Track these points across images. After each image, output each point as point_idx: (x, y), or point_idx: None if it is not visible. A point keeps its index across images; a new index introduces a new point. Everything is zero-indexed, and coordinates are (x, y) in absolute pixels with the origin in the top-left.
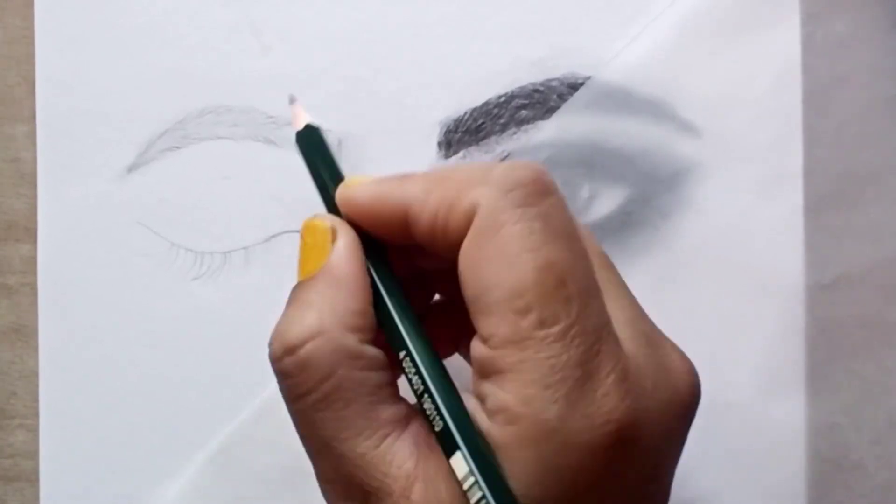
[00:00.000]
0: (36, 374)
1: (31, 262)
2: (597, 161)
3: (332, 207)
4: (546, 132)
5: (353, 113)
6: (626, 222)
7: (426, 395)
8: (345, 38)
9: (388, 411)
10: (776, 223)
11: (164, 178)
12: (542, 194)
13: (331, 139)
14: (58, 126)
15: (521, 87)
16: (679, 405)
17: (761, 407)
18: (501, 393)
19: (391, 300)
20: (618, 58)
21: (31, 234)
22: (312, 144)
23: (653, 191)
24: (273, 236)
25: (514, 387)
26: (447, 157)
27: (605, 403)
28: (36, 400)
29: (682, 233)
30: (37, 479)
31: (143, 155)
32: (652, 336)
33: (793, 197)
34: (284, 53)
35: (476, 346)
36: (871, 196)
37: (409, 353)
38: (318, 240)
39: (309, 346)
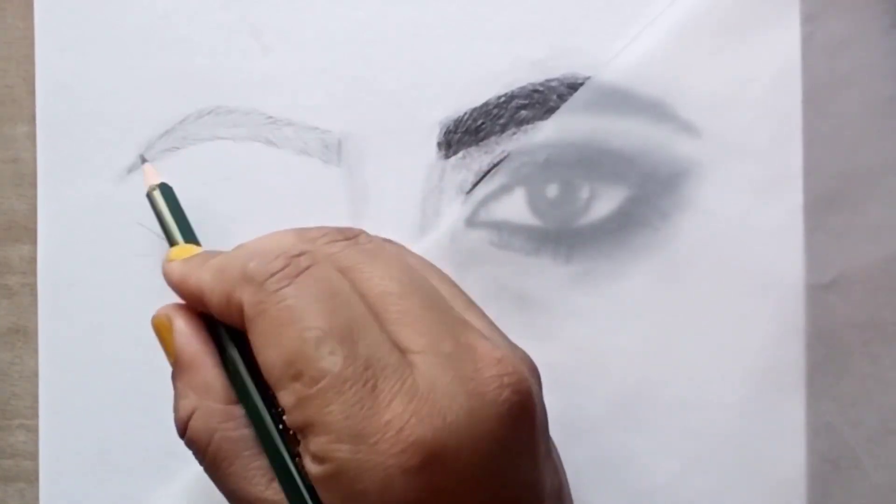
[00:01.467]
0: (36, 375)
1: (31, 262)
2: (597, 161)
3: None
4: (546, 132)
5: (353, 113)
6: (625, 222)
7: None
8: (345, 38)
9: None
10: (776, 223)
11: (165, 179)
12: (292, 275)
13: (331, 139)
14: (58, 126)
15: (521, 88)
16: (489, 411)
17: (761, 407)
18: (309, 445)
19: (227, 368)
20: (618, 58)
21: (31, 234)
22: (157, 206)
23: (652, 191)
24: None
25: (313, 438)
26: (447, 157)
27: (393, 430)
28: (36, 400)
29: (681, 233)
30: (37, 480)
31: (143, 155)
32: (453, 352)
33: (792, 197)
34: (284, 54)
35: (287, 418)
36: (871, 196)
37: (247, 411)
38: (163, 334)
39: (190, 425)
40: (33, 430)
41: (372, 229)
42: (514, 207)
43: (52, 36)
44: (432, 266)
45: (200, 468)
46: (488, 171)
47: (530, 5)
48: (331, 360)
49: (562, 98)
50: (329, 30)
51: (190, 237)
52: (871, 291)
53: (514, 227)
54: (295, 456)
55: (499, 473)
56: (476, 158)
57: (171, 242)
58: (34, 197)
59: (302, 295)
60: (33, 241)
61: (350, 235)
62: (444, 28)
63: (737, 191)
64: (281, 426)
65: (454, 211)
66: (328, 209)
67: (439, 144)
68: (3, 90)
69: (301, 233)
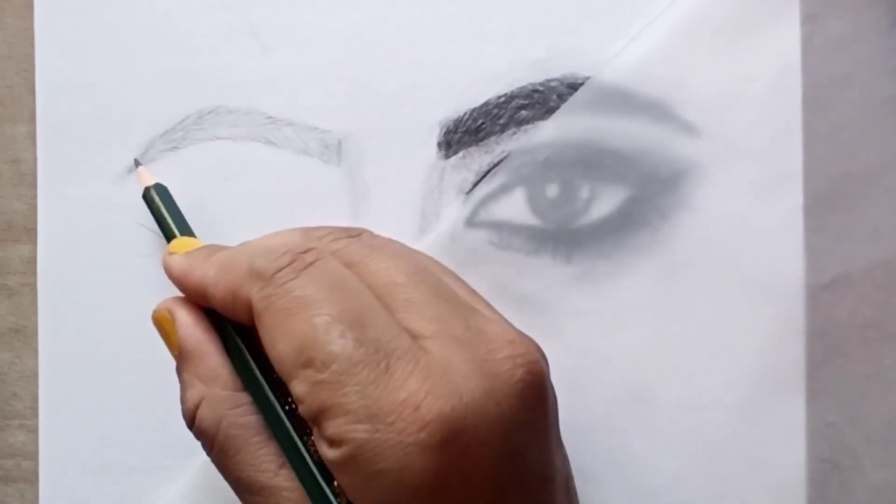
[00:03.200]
0: (36, 375)
1: (31, 262)
2: (596, 161)
3: None
4: (546, 132)
5: (353, 113)
6: (626, 222)
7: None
8: (345, 38)
9: (277, 445)
10: (776, 223)
11: (165, 179)
12: (298, 269)
13: (331, 139)
14: (58, 127)
15: (521, 88)
16: (504, 391)
17: (761, 407)
18: (324, 431)
19: (233, 357)
20: (617, 58)
21: (31, 234)
22: (152, 205)
23: (652, 191)
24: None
25: (328, 423)
26: (447, 157)
27: (409, 408)
28: (36, 400)
29: (681, 233)
30: (36, 480)
31: (143, 156)
32: (464, 336)
33: (792, 197)
34: (284, 54)
35: (299, 406)
36: (871, 196)
37: (255, 399)
38: (165, 328)
39: (198, 416)
40: (33, 430)
41: (372, 229)
42: (514, 207)
43: (52, 36)
44: (436, 260)
45: (200, 468)
46: (488, 171)
47: (530, 5)
48: (341, 343)
49: (562, 98)
50: (329, 30)
51: (187, 234)
52: (871, 291)
53: (514, 227)
54: (307, 444)
55: (513, 454)
56: (476, 158)
57: (170, 237)
58: (34, 197)
59: (309, 285)
60: (33, 241)
61: (354, 234)
62: (444, 28)
63: (737, 191)
64: (291, 416)
65: (454, 211)
66: (328, 209)
67: (439, 144)
68: (3, 90)
69: (306, 231)
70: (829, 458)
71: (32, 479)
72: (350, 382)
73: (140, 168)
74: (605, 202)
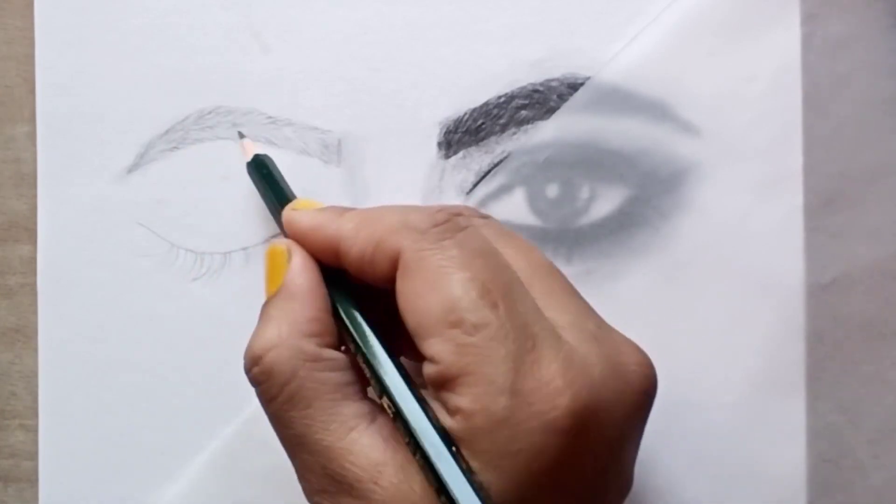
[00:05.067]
0: (36, 375)
1: (31, 262)
2: (596, 161)
3: (281, 230)
4: (546, 132)
5: (353, 113)
6: (625, 222)
7: (385, 396)
8: (345, 38)
9: (352, 407)
10: (776, 223)
11: (165, 179)
12: (454, 230)
13: (331, 139)
14: (58, 127)
15: (521, 88)
16: (631, 396)
17: (761, 407)
18: (455, 397)
19: (344, 309)
20: (617, 58)
21: (31, 234)
22: (261, 172)
23: (652, 191)
24: (273, 237)
25: (465, 389)
26: (447, 157)
27: (551, 390)
28: (36, 400)
29: (681, 233)
30: (36, 480)
31: (143, 155)
32: (598, 333)
33: (792, 197)
34: (284, 54)
35: (426, 366)
36: (871, 196)
37: (364, 356)
38: (276, 262)
39: (271, 355)
40: (33, 430)
41: None
42: (514, 207)
43: (52, 36)
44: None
45: (200, 468)
46: (488, 172)
47: (530, 6)
48: (493, 312)
49: (562, 98)
50: (329, 30)
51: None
52: (871, 291)
53: (514, 227)
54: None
55: (624, 452)
56: (476, 158)
57: (282, 201)
58: (34, 197)
59: (465, 247)
60: (33, 241)
61: (485, 215)
62: (445, 28)
63: (737, 191)
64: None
65: None
66: None
67: (439, 144)
68: (3, 90)
69: (443, 205)
70: (829, 459)
71: (32, 479)
72: (498, 352)
73: (245, 140)
74: (605, 202)
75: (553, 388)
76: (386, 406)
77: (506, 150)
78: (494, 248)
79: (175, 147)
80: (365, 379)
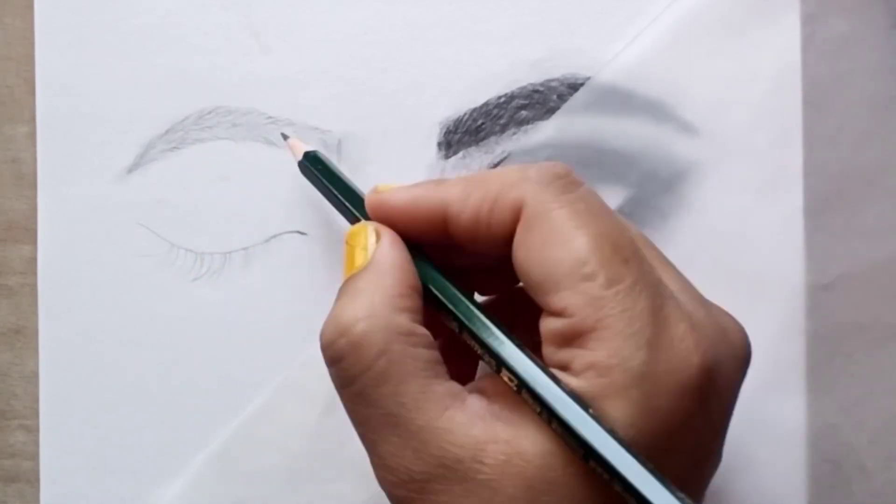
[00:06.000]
0: (36, 375)
1: (31, 262)
2: (596, 161)
3: (355, 219)
4: (546, 132)
5: (353, 113)
6: None
7: (505, 368)
8: (345, 39)
9: (444, 386)
10: (776, 223)
11: (165, 179)
12: (576, 184)
13: (331, 139)
14: (58, 127)
15: (521, 88)
16: (736, 359)
17: (761, 407)
18: (587, 353)
19: (441, 286)
20: (617, 58)
21: (31, 234)
22: (317, 168)
23: (652, 191)
24: (273, 237)
25: (599, 344)
26: (447, 157)
27: (684, 348)
28: (36, 401)
29: (681, 233)
30: (37, 480)
31: (143, 156)
32: (703, 300)
33: (793, 197)
34: (284, 54)
35: (549, 322)
36: (871, 196)
37: (472, 332)
38: (361, 241)
39: (362, 325)
40: (33, 431)
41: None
42: None
43: (52, 36)
44: None
45: (200, 468)
46: None
47: (530, 6)
48: (626, 267)
49: (562, 98)
50: (329, 30)
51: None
52: (871, 291)
53: None
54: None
55: (729, 418)
56: (476, 158)
57: (349, 193)
58: (34, 197)
59: (590, 202)
60: (33, 241)
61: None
62: (445, 28)
63: (737, 191)
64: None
65: None
66: (328, 209)
67: (439, 144)
68: (3, 90)
69: (554, 161)
70: (830, 459)
71: (32, 479)
72: (634, 307)
73: (291, 140)
74: None
75: (685, 346)
76: (506, 379)
77: (506, 150)
78: (607, 206)
79: (175, 147)
80: (449, 366)
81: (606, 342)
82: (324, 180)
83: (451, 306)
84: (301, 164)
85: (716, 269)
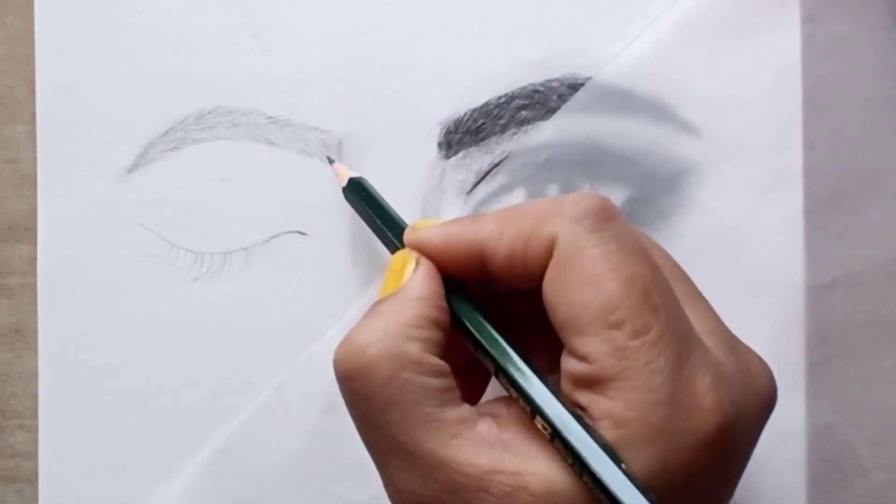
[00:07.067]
0: (36, 375)
1: (31, 262)
2: (597, 161)
3: (395, 248)
4: (546, 133)
5: (353, 113)
6: None
7: (539, 416)
8: (345, 39)
9: (453, 413)
10: (776, 223)
11: (165, 179)
12: (610, 219)
13: (331, 139)
14: (58, 127)
15: (522, 88)
16: (761, 408)
17: None
18: (605, 401)
19: (479, 326)
20: (618, 58)
21: (31, 234)
22: (360, 195)
23: (652, 191)
24: (273, 237)
25: (619, 394)
26: (447, 157)
27: (705, 407)
28: (36, 400)
29: (682, 233)
30: (36, 480)
31: (143, 156)
32: (733, 343)
33: (793, 197)
34: (284, 54)
35: (571, 362)
36: (871, 196)
37: (508, 376)
38: (399, 266)
39: (373, 350)
40: (33, 430)
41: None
42: None
43: (52, 36)
44: None
45: (200, 468)
46: (489, 172)
47: (530, 6)
48: (655, 316)
49: (562, 98)
50: (329, 30)
51: (400, 220)
52: (871, 291)
53: None
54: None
55: (746, 464)
56: (476, 159)
57: (388, 220)
58: (34, 197)
59: (623, 242)
60: (33, 241)
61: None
62: (445, 28)
63: (737, 191)
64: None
65: (454, 211)
66: (328, 209)
67: (439, 145)
68: (3, 90)
69: (591, 192)
70: (829, 459)
71: (32, 479)
72: (658, 360)
73: (337, 164)
74: None
75: (707, 403)
76: (540, 426)
77: (506, 150)
78: (643, 242)
79: (175, 147)
80: (463, 384)
81: (626, 394)
82: (367, 208)
83: (487, 348)
84: (345, 190)
85: (716, 269)
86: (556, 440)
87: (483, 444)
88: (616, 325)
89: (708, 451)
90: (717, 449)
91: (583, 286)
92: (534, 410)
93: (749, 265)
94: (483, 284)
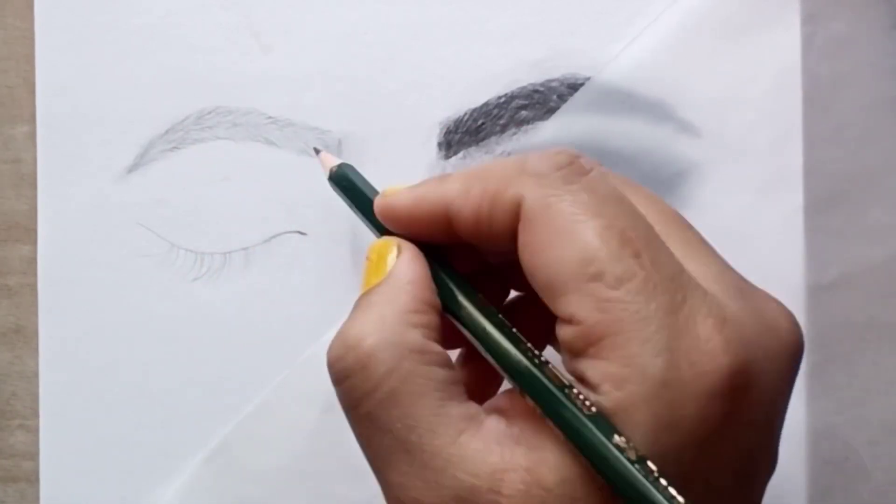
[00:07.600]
0: (36, 375)
1: (31, 262)
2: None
3: (381, 232)
4: (546, 133)
5: (353, 113)
6: None
7: (527, 394)
8: (345, 39)
9: (459, 408)
10: (776, 223)
11: (165, 179)
12: (580, 173)
13: (331, 139)
14: (58, 127)
15: (521, 88)
16: (784, 355)
17: None
18: (600, 363)
19: (463, 302)
20: (618, 58)
21: (31, 234)
22: (345, 181)
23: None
24: (273, 237)
25: (612, 352)
26: (447, 157)
27: (710, 349)
28: (36, 401)
29: None
30: (37, 480)
31: (143, 156)
32: (743, 287)
33: (793, 197)
34: (284, 54)
35: (561, 329)
36: (871, 196)
37: (488, 344)
38: (381, 255)
39: (370, 341)
40: (33, 430)
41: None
42: None
43: (52, 36)
44: None
45: (200, 468)
46: None
47: (530, 6)
48: (637, 262)
49: (562, 98)
50: (329, 30)
51: None
52: (871, 291)
53: None
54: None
55: (776, 420)
56: (476, 159)
57: (369, 206)
58: (34, 197)
59: (596, 192)
60: (33, 241)
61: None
62: (445, 29)
63: (737, 191)
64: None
65: None
66: (328, 209)
67: (439, 145)
68: (3, 90)
69: (562, 148)
70: (830, 459)
71: (32, 479)
72: (647, 307)
73: (323, 153)
74: None
75: (711, 346)
76: (531, 404)
77: (506, 150)
78: (621, 193)
79: (175, 147)
80: (470, 379)
81: (620, 349)
82: (350, 195)
83: (471, 324)
84: (331, 178)
85: None
86: (547, 419)
87: (494, 440)
88: (595, 277)
89: (720, 401)
90: (731, 398)
91: (556, 243)
92: (522, 389)
93: (749, 265)
94: (476, 259)
